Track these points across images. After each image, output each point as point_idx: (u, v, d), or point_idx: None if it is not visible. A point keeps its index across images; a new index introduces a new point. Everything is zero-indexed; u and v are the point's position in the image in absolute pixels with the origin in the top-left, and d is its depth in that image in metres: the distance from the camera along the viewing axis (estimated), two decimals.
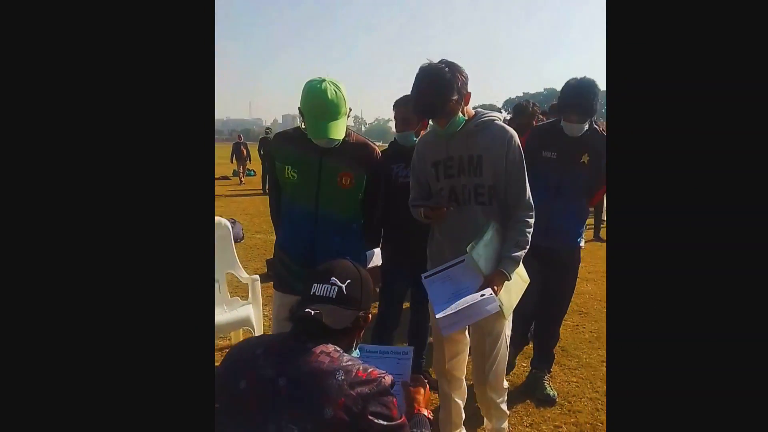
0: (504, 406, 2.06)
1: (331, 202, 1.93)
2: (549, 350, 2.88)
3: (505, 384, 2.04)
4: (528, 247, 1.84)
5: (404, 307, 2.70)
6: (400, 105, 2.44)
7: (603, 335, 3.58)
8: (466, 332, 2.04)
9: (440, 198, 1.90)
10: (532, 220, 1.86)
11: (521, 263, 1.88)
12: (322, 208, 1.93)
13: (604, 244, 6.66)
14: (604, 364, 3.14)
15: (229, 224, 3.35)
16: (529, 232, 1.84)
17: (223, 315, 3.01)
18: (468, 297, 1.71)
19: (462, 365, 2.08)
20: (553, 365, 3.09)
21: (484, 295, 1.69)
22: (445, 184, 1.88)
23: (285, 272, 2.01)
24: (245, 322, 2.99)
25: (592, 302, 4.35)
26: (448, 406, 2.07)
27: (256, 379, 1.10)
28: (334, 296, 1.23)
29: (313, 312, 1.15)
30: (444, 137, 1.84)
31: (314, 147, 1.88)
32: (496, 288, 1.74)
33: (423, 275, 1.88)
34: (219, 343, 3.40)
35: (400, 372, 1.47)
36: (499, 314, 1.79)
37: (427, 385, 1.43)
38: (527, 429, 2.47)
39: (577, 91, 2.38)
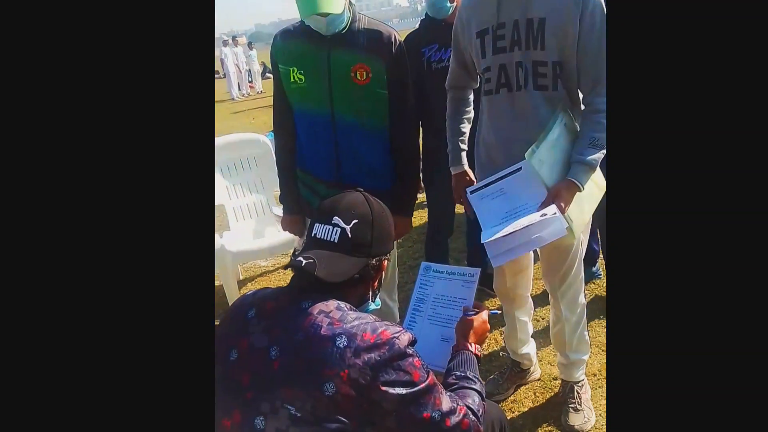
0: (585, 332, 1.77)
1: (348, 102, 1.63)
2: None
3: (582, 299, 1.72)
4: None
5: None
6: None
7: None
8: None
9: (486, 82, 1.50)
10: None
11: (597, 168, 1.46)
12: (339, 111, 1.64)
13: None
14: None
15: (268, 141, 3.16)
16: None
17: (275, 237, 2.94)
18: (524, 218, 1.35)
19: (527, 282, 1.81)
20: None
21: (545, 214, 1.32)
22: (493, 62, 1.45)
23: (312, 195, 1.80)
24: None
25: None
26: (513, 324, 1.85)
27: (247, 348, 0.94)
28: (335, 240, 1.00)
29: (304, 261, 0.94)
30: None
31: (320, 40, 1.57)
32: (563, 204, 1.36)
33: (468, 189, 1.55)
34: (280, 260, 3.41)
35: (464, 296, 1.35)
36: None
37: (485, 318, 1.24)
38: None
39: None
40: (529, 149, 1.37)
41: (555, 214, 1.33)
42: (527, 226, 1.33)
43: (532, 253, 1.78)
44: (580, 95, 1.49)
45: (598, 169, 1.50)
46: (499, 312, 1.51)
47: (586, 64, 1.38)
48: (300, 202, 1.82)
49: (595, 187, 1.52)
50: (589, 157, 1.39)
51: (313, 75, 1.61)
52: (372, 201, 1.07)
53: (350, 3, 1.58)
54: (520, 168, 1.43)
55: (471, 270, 1.39)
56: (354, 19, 1.59)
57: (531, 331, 1.94)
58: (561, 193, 1.38)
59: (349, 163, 1.69)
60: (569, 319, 1.70)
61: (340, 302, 0.95)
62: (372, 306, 1.09)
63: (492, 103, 1.52)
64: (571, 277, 1.64)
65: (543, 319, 2.33)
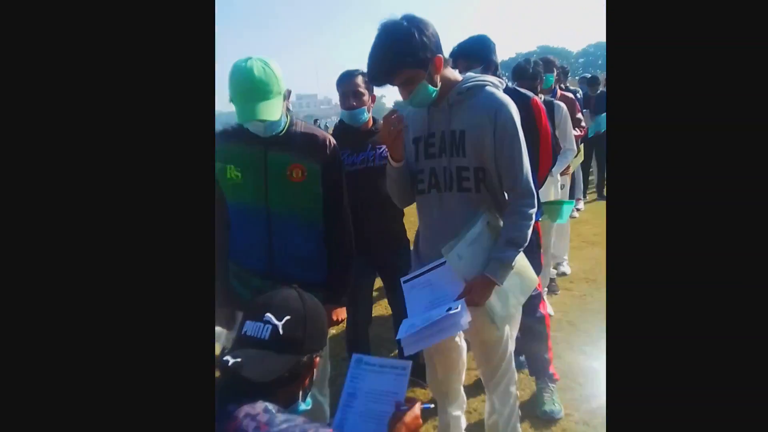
0: (517, 424, 1.80)
1: (283, 198, 1.70)
2: (540, 357, 2.39)
3: (514, 390, 1.76)
4: (525, 244, 1.53)
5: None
6: (343, 79, 2.18)
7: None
8: (458, 339, 1.79)
9: (419, 182, 1.63)
10: (531, 210, 1.52)
11: (526, 259, 1.60)
12: (273, 206, 1.69)
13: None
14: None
15: None
16: (527, 226, 1.52)
17: None
18: (434, 312, 1.46)
19: (460, 376, 1.85)
20: (560, 342, 2.88)
21: (451, 309, 1.42)
22: (426, 166, 1.60)
23: (242, 288, 1.78)
24: None
25: (600, 268, 4.11)
26: (446, 421, 1.85)
27: None
28: (266, 337, 1.00)
29: (231, 361, 0.93)
30: (425, 109, 1.57)
31: (258, 140, 1.67)
32: (476, 298, 1.47)
33: (402, 279, 1.64)
34: None
35: (396, 390, 1.33)
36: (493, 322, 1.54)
37: (418, 413, 1.23)
38: None
39: None
40: (447, 245, 1.49)
41: (459, 309, 1.42)
42: (434, 321, 1.42)
43: (464, 344, 1.83)
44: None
45: (528, 266, 1.63)
46: (432, 406, 1.53)
47: (503, 170, 1.53)
48: (229, 294, 1.80)
49: (520, 282, 1.61)
50: (504, 254, 1.50)
51: (250, 172, 1.68)
52: (306, 297, 1.09)
53: (288, 109, 1.71)
54: (445, 261, 1.54)
55: (403, 363, 1.40)
56: (291, 123, 1.72)
57: (464, 425, 1.93)
58: (474, 287, 1.48)
59: (283, 255, 1.72)
60: (502, 412, 1.73)
61: (268, 404, 0.94)
62: (302, 406, 1.07)
63: (424, 201, 1.64)
64: (502, 369, 1.70)
65: (475, 411, 2.34)
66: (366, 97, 2.17)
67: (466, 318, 1.42)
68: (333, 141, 1.79)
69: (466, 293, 1.47)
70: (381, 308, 3.55)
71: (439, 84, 1.51)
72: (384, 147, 2.19)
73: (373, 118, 2.27)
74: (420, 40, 1.40)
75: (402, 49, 1.40)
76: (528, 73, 2.71)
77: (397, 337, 1.48)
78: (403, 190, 1.65)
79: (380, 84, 1.51)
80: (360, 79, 2.17)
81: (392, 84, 1.48)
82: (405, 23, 1.41)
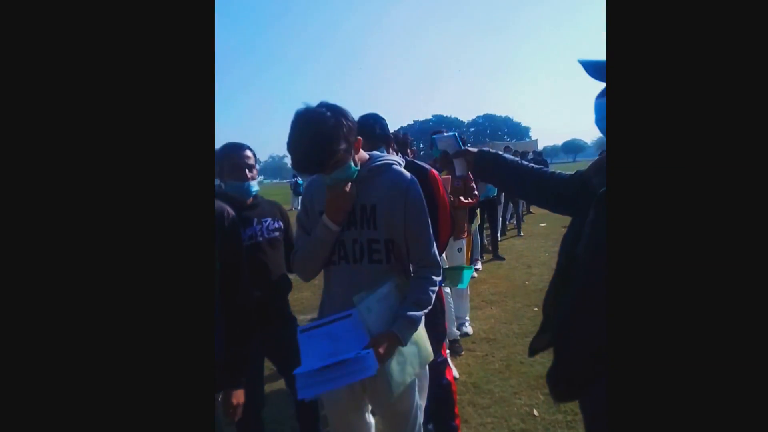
0: None
1: None
2: (448, 425, 2.45)
3: None
4: (430, 307, 1.57)
5: None
6: (234, 151, 2.11)
7: (513, 363, 3.49)
8: (367, 416, 1.73)
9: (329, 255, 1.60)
10: (437, 278, 1.60)
11: (425, 330, 1.62)
12: None
13: (503, 262, 6.80)
14: (517, 396, 3.01)
15: None
16: (432, 291, 1.57)
17: None
18: (341, 356, 1.39)
19: None
20: (466, 406, 2.90)
21: (359, 353, 1.37)
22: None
23: None
24: None
25: (499, 326, 4.29)
26: None
27: None
28: None
29: None
30: None
31: None
32: (381, 351, 1.44)
33: (299, 328, 1.56)
34: None
35: None
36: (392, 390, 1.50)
37: None
38: None
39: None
40: (359, 294, 1.47)
41: (368, 353, 1.37)
42: (339, 361, 1.35)
43: (372, 421, 1.77)
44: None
45: (426, 337, 1.65)
46: None
47: (411, 243, 1.58)
48: None
49: (421, 351, 1.62)
50: (411, 314, 1.52)
51: None
52: None
53: None
54: (351, 314, 1.50)
55: None
56: None
57: None
58: (381, 340, 1.46)
59: None
60: None
61: None
62: None
63: (332, 273, 1.63)
64: None
65: None
66: (255, 171, 2.14)
67: (375, 366, 1.35)
68: (231, 212, 1.71)
69: (372, 345, 1.43)
70: (282, 383, 3.36)
71: (358, 162, 1.56)
72: (269, 220, 2.18)
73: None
74: (347, 125, 1.45)
75: (334, 138, 1.42)
76: (399, 139, 3.12)
77: (294, 372, 1.37)
78: (326, 257, 1.62)
79: (311, 173, 1.51)
80: (249, 152, 2.13)
81: (324, 172, 1.49)
82: (328, 113, 1.43)
